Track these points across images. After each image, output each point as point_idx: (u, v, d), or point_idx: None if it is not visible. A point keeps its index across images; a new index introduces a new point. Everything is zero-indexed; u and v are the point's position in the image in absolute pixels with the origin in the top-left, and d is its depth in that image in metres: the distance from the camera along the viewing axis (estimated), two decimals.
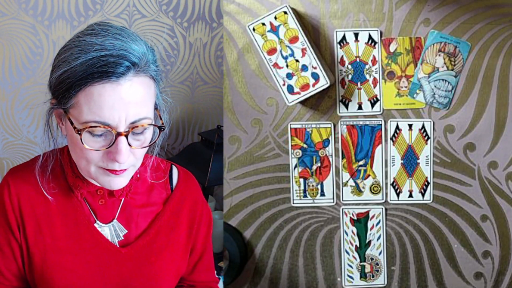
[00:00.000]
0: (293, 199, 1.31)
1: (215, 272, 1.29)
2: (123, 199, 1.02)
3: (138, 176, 1.03)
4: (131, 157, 0.89)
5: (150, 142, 0.92)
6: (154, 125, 0.91)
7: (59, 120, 0.92)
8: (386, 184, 1.30)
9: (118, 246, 1.01)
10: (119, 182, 0.92)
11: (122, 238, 1.02)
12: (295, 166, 1.30)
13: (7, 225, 0.98)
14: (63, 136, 0.95)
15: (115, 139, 0.86)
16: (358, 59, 1.27)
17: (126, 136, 0.86)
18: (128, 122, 0.86)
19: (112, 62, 0.83)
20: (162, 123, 0.93)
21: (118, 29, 0.88)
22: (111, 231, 1.01)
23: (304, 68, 1.22)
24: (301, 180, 1.30)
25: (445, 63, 1.25)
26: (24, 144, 1.83)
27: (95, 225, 1.00)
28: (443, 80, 1.26)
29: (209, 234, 1.14)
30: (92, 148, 0.86)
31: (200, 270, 1.15)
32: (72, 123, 0.86)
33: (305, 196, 1.30)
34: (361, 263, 1.32)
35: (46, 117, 0.93)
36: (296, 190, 1.30)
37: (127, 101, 0.85)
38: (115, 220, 1.01)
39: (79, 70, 0.83)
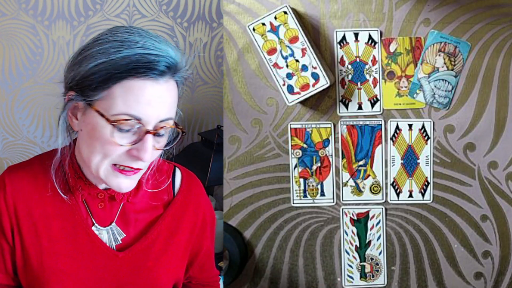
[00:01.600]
0: (293, 199, 1.31)
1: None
2: (122, 203, 1.01)
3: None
4: (152, 157, 0.90)
5: (165, 146, 0.93)
6: (178, 128, 0.92)
7: (71, 115, 0.91)
8: (386, 184, 1.30)
9: (115, 250, 1.00)
10: (128, 184, 0.92)
11: (120, 242, 1.01)
12: (295, 166, 1.30)
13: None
14: (76, 132, 0.94)
15: (143, 136, 0.86)
16: (358, 59, 1.27)
17: (154, 134, 0.87)
18: (158, 120, 0.87)
19: (155, 60, 0.85)
20: (183, 128, 0.94)
21: (154, 34, 0.90)
22: (109, 234, 1.00)
23: (304, 68, 1.22)
24: (301, 180, 1.30)
25: (445, 63, 1.25)
26: (24, 144, 1.83)
27: (93, 228, 0.99)
28: (443, 80, 1.26)
29: (213, 233, 1.15)
30: (120, 143, 0.86)
31: (207, 268, 1.17)
32: (102, 115, 0.86)
33: (305, 196, 1.30)
34: (361, 263, 1.32)
35: (62, 111, 0.92)
36: (296, 190, 1.30)
37: (163, 100, 0.87)
38: (113, 224, 1.00)
39: (121, 63, 0.84)
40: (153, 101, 0.85)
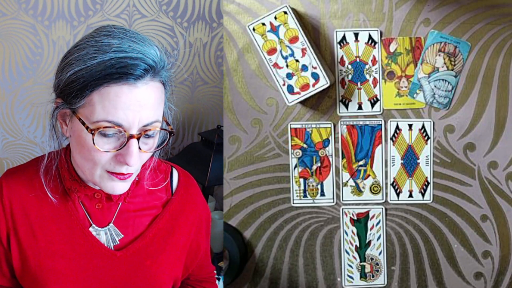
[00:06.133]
0: (293, 199, 1.31)
1: (216, 272, 1.31)
2: (120, 203, 1.01)
3: (137, 179, 1.03)
4: (138, 161, 0.89)
5: (157, 147, 0.92)
6: (164, 130, 0.90)
7: (62, 121, 0.91)
8: (386, 184, 1.30)
9: (113, 249, 1.00)
10: (122, 187, 0.92)
11: (118, 242, 1.01)
12: (295, 166, 1.30)
13: None
14: (67, 138, 0.94)
15: (127, 141, 0.85)
16: (358, 59, 1.27)
17: (138, 139, 0.86)
18: (141, 125, 0.86)
19: (131, 64, 0.83)
20: (171, 128, 0.93)
21: (134, 33, 0.88)
22: (107, 235, 1.00)
23: (304, 68, 1.22)
24: (301, 180, 1.30)
25: (445, 63, 1.25)
26: (24, 144, 1.83)
27: (90, 229, 0.99)
28: (443, 80, 1.26)
29: (209, 231, 1.16)
30: (103, 149, 0.86)
31: (204, 266, 1.18)
32: (83, 123, 0.85)
33: (305, 196, 1.30)
34: (361, 263, 1.32)
35: (50, 118, 0.92)
36: (296, 190, 1.30)
37: (142, 104, 0.84)
38: (111, 224, 1.00)
39: (96, 70, 0.83)
40: (132, 106, 0.84)
